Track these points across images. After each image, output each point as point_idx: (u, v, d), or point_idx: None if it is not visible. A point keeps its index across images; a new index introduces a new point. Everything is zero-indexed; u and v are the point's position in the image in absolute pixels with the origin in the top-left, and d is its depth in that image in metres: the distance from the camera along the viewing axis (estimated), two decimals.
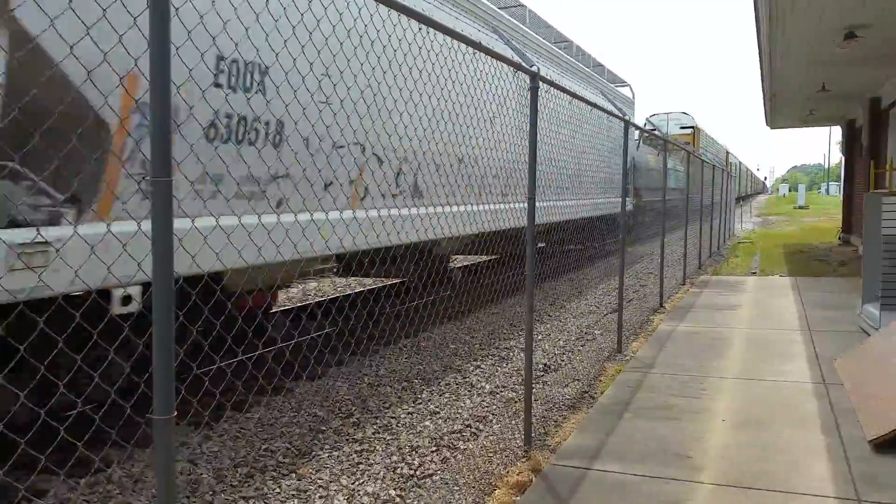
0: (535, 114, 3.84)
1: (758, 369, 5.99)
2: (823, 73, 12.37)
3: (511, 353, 7.30)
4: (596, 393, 5.55)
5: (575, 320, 9.10)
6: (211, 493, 3.91)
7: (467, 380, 6.27)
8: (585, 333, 8.08)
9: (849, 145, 19.87)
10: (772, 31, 9.21)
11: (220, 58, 4.04)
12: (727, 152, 43.04)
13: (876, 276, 6.93)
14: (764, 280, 12.15)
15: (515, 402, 5.37)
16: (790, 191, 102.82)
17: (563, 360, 6.77)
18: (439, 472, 4.14)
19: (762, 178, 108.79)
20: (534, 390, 5.60)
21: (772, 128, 21.56)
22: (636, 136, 18.93)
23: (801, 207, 50.84)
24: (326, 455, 4.44)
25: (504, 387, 5.94)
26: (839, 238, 20.02)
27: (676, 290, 11.31)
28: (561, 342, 7.63)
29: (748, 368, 6.03)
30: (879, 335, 6.12)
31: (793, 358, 6.36)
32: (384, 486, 3.93)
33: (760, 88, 13.96)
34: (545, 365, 6.53)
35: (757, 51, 10.64)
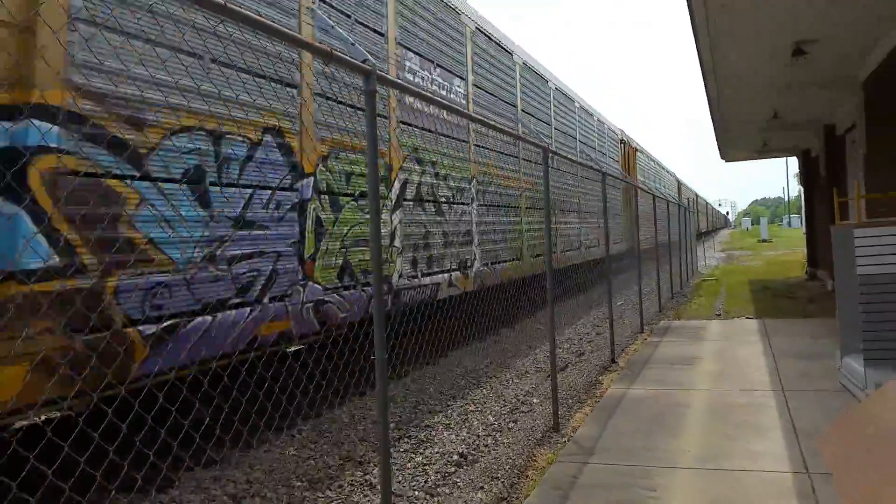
0: None
1: (721, 452, 4.77)
2: (775, 100, 11.60)
3: (432, 434, 5.99)
4: (515, 500, 4.24)
5: (517, 383, 7.83)
6: None
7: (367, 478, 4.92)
8: (522, 403, 6.81)
9: (806, 176, 19.27)
10: (714, 53, 8.32)
11: None
12: (678, 183, 41.13)
13: (855, 324, 5.83)
14: (728, 324, 11.06)
15: None
16: (753, 224, 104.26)
17: (485, 447, 5.45)
18: None
19: (724, 213, 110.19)
20: (437, 500, 4.29)
21: (726, 161, 20.94)
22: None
23: (764, 241, 50.81)
24: None
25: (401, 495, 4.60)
26: (806, 272, 19.23)
27: (634, 339, 10.14)
28: (491, 417, 6.33)
29: (710, 451, 4.80)
30: (870, 402, 4.94)
31: (764, 432, 5.15)
32: None
33: (710, 119, 13.15)
34: (461, 455, 5.20)
35: (702, 77, 9.76)
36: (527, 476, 4.65)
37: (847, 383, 6.12)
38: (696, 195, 53.49)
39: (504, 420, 6.19)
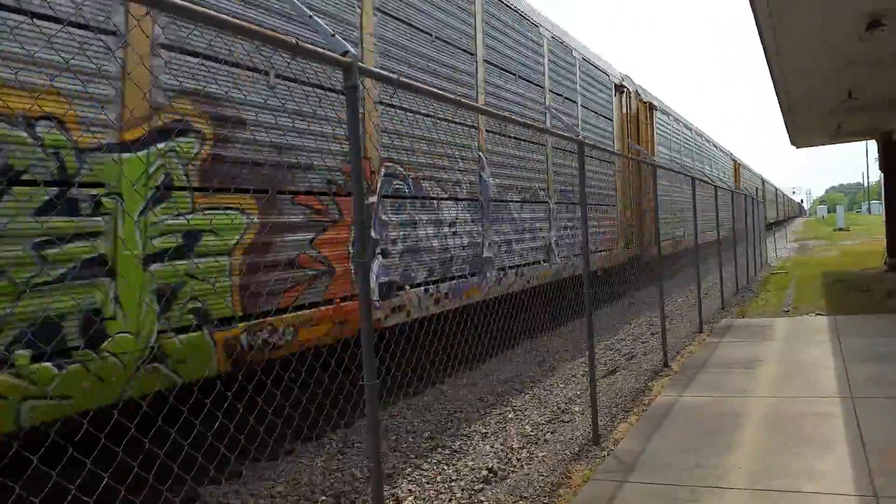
0: None
1: (777, 469, 4.29)
2: (848, 78, 10.69)
3: (468, 445, 5.71)
4: None
5: (561, 388, 7.46)
6: None
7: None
8: (564, 411, 6.44)
9: (887, 160, 17.91)
10: (776, 26, 7.66)
11: None
12: (736, 164, 35.69)
13: None
14: (796, 322, 10.30)
15: None
16: (829, 212, 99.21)
17: (518, 461, 5.13)
18: None
19: (798, 200, 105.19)
20: None
21: (797, 147, 19.71)
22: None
23: (840, 229, 48.06)
24: None
25: None
26: (885, 263, 17.90)
27: (691, 339, 9.56)
28: (528, 427, 6.00)
29: (764, 470, 4.33)
30: None
31: (829, 448, 4.63)
32: None
33: (777, 102, 12.30)
34: (490, 470, 4.89)
35: (764, 55, 9.06)
36: (558, 496, 4.31)
37: None
38: (763, 181, 50.29)
39: (542, 430, 5.85)
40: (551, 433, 5.75)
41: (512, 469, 4.92)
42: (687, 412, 5.81)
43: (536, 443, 5.52)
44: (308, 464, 5.41)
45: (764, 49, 8.57)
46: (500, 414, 6.64)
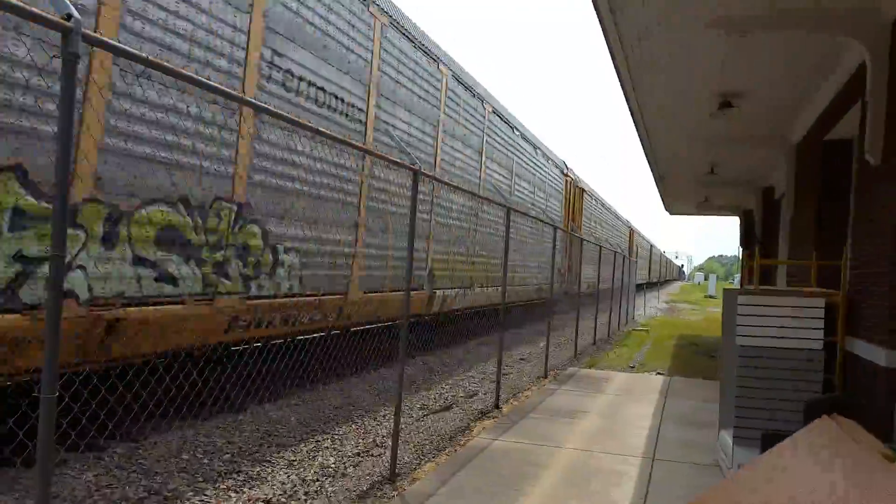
0: None
1: None
2: (709, 153, 11.41)
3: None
4: None
5: (391, 420, 7.23)
6: None
7: None
8: (379, 444, 6.22)
9: (747, 237, 19.30)
10: (638, 98, 8.02)
11: None
12: (630, 230, 38.46)
13: (731, 396, 5.43)
14: (635, 378, 10.68)
15: None
16: (705, 279, 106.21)
17: (307, 493, 4.83)
18: None
19: (679, 265, 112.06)
20: None
21: (670, 213, 20.92)
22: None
23: (710, 297, 51.46)
24: None
25: None
26: None
27: (532, 383, 9.66)
28: (332, 459, 5.72)
29: None
30: (724, 484, 4.50)
31: None
32: None
33: (648, 167, 12.95)
34: (265, 503, 4.57)
35: (633, 122, 9.49)
36: None
37: (720, 459, 5.70)
38: (651, 246, 53.37)
39: (348, 462, 5.59)
40: (354, 466, 5.50)
41: (293, 503, 4.62)
42: (496, 457, 5.74)
43: (334, 475, 5.25)
44: (76, 476, 4.87)
45: (631, 115, 8.96)
46: (316, 441, 6.34)
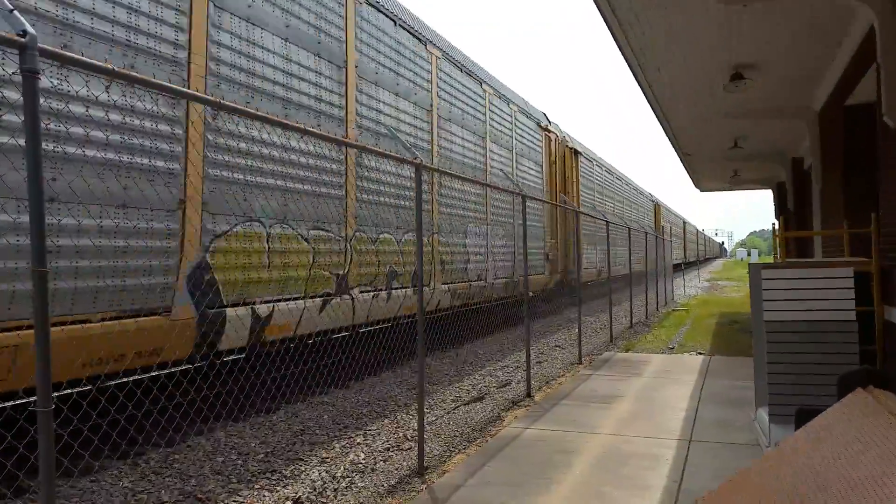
0: None
1: None
2: (730, 128, 11.09)
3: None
4: None
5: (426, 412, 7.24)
6: None
7: None
8: (410, 438, 6.22)
9: (781, 210, 18.76)
10: (646, 74, 7.82)
11: None
12: (655, 204, 35.32)
13: (764, 373, 5.27)
14: (673, 359, 10.47)
15: None
16: (748, 255, 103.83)
17: (336, 490, 4.86)
18: None
19: (719, 242, 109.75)
20: None
21: (700, 190, 20.45)
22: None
23: None
24: None
25: None
26: None
27: (567, 370, 9.55)
28: (362, 454, 5.75)
29: None
30: (762, 462, 4.37)
31: (643, 492, 4.57)
32: None
33: (670, 145, 12.66)
34: (295, 501, 4.61)
35: (645, 99, 9.27)
36: None
37: (759, 438, 5.55)
38: (685, 222, 49.93)
39: (376, 458, 5.61)
40: (384, 461, 5.51)
41: (322, 500, 4.66)
42: (527, 446, 5.69)
43: (363, 471, 5.27)
44: (112, 484, 4.99)
45: (643, 94, 8.75)
46: (349, 438, 6.38)
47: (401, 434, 6.38)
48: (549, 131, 16.99)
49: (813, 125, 9.78)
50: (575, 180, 18.62)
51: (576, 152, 18.77)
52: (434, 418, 6.95)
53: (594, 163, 21.90)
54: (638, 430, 6.17)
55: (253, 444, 6.04)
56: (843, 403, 4.00)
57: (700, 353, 11.18)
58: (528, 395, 7.73)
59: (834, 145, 8.79)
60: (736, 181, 18.34)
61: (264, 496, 4.89)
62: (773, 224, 8.08)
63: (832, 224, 9.03)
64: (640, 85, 8.25)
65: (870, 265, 6.49)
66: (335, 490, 4.85)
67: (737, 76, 7.65)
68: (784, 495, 3.63)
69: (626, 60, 7.32)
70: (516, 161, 14.66)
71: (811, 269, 5.00)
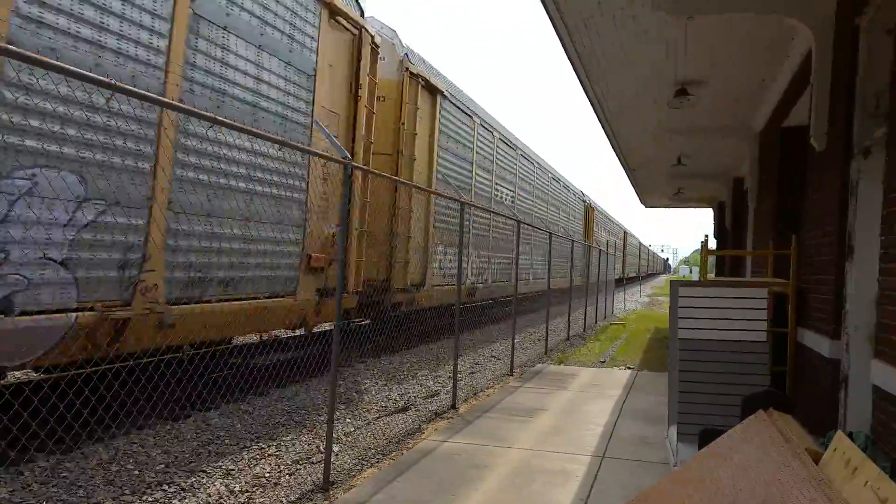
0: None
1: None
2: (675, 145, 11.29)
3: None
4: None
5: (346, 423, 7.04)
6: None
7: None
8: (320, 452, 6.01)
9: (720, 229, 19.26)
10: (594, 86, 7.86)
11: None
12: (588, 207, 29.86)
13: (676, 392, 5.28)
14: (602, 374, 10.55)
15: None
16: (690, 272, 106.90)
17: (240, 501, 4.64)
18: None
19: (664, 258, 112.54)
20: None
21: (645, 206, 20.84)
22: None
23: None
24: None
25: None
26: None
27: (497, 381, 9.49)
28: (268, 467, 5.52)
29: None
30: (663, 482, 4.35)
31: None
32: None
33: (617, 161, 12.82)
34: None
35: (594, 112, 9.34)
36: None
37: (669, 456, 5.56)
38: (626, 233, 46.19)
39: (282, 471, 5.39)
40: (290, 475, 5.30)
41: None
42: (442, 460, 5.56)
43: (266, 486, 5.05)
44: None
45: (590, 102, 8.81)
46: (261, 449, 6.13)
47: (314, 446, 6.17)
48: (409, 72, 10.92)
49: (753, 145, 10.02)
50: (430, 135, 11.93)
51: (430, 87, 11.74)
52: (353, 429, 6.76)
53: (476, 120, 14.58)
54: (555, 445, 6.12)
55: (154, 454, 5.74)
56: (743, 425, 4.00)
57: (629, 368, 11.30)
58: (453, 406, 7.62)
59: (770, 166, 9.00)
60: (679, 198, 18.74)
61: None
62: (701, 242, 8.20)
63: (763, 245, 9.24)
64: (587, 95, 8.29)
65: (787, 286, 6.63)
66: (263, 486, 4.62)
67: (681, 92, 7.76)
68: None
69: (574, 69, 7.34)
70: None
71: (727, 289, 5.05)
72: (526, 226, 16.20)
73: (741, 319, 5.01)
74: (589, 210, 29.68)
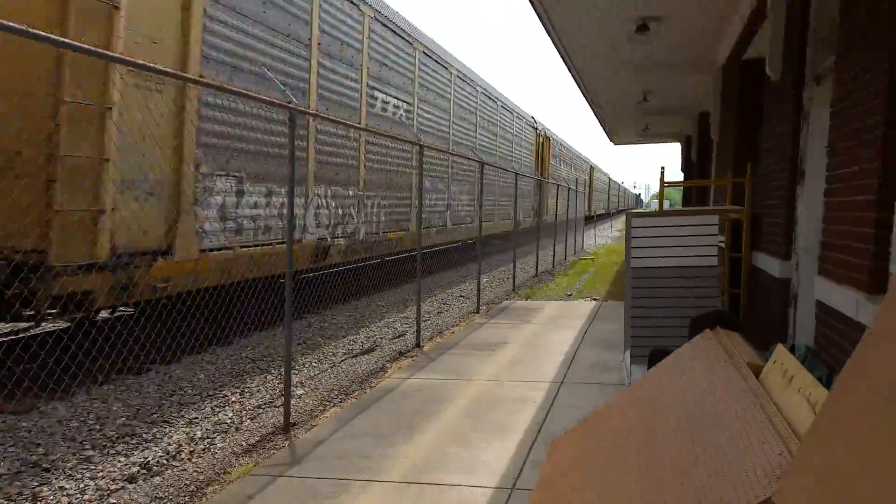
0: None
1: (440, 461, 4.15)
2: (639, 81, 11.17)
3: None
4: None
5: (311, 367, 7.07)
6: None
7: None
8: (278, 398, 6.04)
9: (687, 163, 19.37)
10: (553, 22, 7.67)
11: None
12: (541, 137, 25.33)
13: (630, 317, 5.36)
14: (567, 306, 10.70)
15: None
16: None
17: (192, 452, 4.65)
18: None
19: (636, 194, 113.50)
20: None
21: (615, 143, 20.82)
22: None
23: None
24: None
25: None
26: None
27: (463, 320, 9.58)
28: (231, 412, 5.54)
29: (428, 460, 4.18)
30: (614, 401, 4.46)
31: (505, 435, 4.59)
32: None
33: (583, 98, 12.68)
34: (144, 466, 4.38)
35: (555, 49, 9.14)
36: (202, 495, 3.88)
37: (624, 378, 5.70)
38: (592, 168, 42.82)
39: (244, 417, 5.41)
40: (251, 420, 5.33)
41: (175, 463, 4.44)
42: (404, 396, 5.63)
43: (227, 431, 5.07)
44: None
45: (553, 42, 8.62)
46: (224, 397, 6.13)
47: (278, 391, 6.20)
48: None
49: (716, 79, 9.97)
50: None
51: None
52: (317, 372, 6.80)
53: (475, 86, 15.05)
54: (516, 375, 6.22)
55: (115, 408, 5.71)
56: (690, 344, 4.09)
57: (595, 299, 11.48)
58: (418, 345, 7.69)
59: (731, 99, 8.98)
60: (648, 134, 18.74)
61: (119, 462, 4.63)
62: (659, 175, 8.22)
63: (725, 176, 9.31)
64: (549, 35, 8.11)
65: (742, 213, 6.71)
66: (191, 452, 4.64)
67: (642, 27, 7.63)
68: (629, 432, 3.70)
69: (534, 7, 7.14)
70: None
71: (679, 218, 5.07)
72: (431, 149, 11.71)
73: (693, 246, 5.06)
74: (543, 140, 25.96)
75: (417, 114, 13.26)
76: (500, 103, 19.81)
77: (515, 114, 21.92)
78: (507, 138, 20.97)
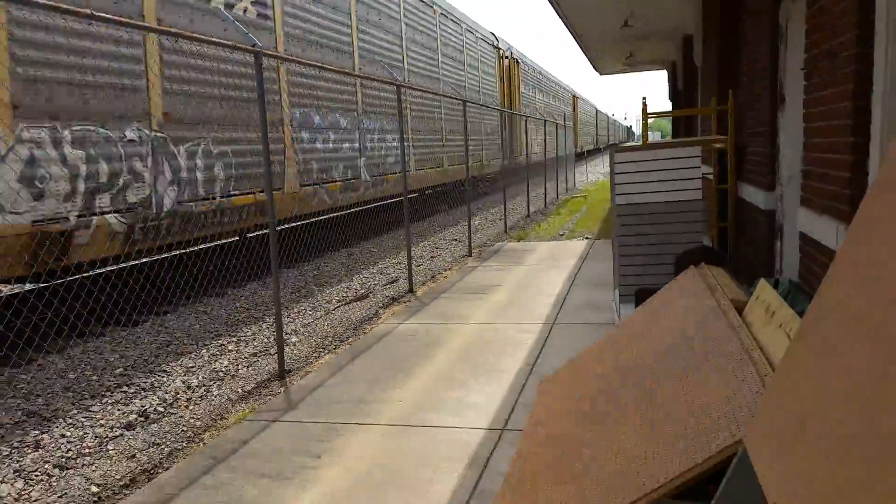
0: None
1: (433, 403, 4.24)
2: (620, 7, 10.87)
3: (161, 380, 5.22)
4: (142, 483, 3.55)
5: (307, 315, 7.13)
6: None
7: None
8: (273, 346, 6.12)
9: (674, 90, 19.07)
10: None
11: None
12: (505, 59, 21.78)
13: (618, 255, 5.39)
14: (559, 246, 10.74)
15: None
16: (661, 138, 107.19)
17: (189, 400, 4.74)
18: None
19: (627, 126, 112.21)
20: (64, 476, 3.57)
21: (601, 73, 20.43)
22: None
23: None
24: None
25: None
26: None
27: (455, 263, 9.62)
28: (226, 361, 5.62)
29: (421, 402, 4.27)
30: (602, 341, 4.53)
31: (497, 376, 4.69)
32: None
33: (564, 27, 12.35)
34: (141, 414, 4.46)
35: None
36: (202, 441, 3.98)
37: (614, 317, 5.77)
38: (575, 97, 38.84)
39: (239, 364, 5.49)
40: (248, 367, 5.41)
41: (172, 411, 4.53)
42: (397, 341, 5.70)
43: (223, 378, 5.15)
44: None
45: None
46: (220, 346, 6.21)
47: (273, 338, 6.27)
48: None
49: (697, 2, 9.70)
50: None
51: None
52: (312, 320, 6.86)
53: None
54: (508, 317, 6.30)
55: (112, 359, 5.79)
56: (675, 281, 4.13)
57: (587, 238, 11.51)
58: (410, 290, 7.74)
59: (712, 20, 8.75)
60: (632, 62, 18.37)
61: (118, 410, 4.72)
62: (641, 105, 8.10)
63: (710, 103, 9.18)
64: None
65: (727, 143, 6.66)
66: (188, 400, 4.73)
67: None
68: (617, 370, 3.77)
69: None
70: None
71: (660, 151, 5.03)
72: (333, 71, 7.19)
73: (677, 180, 5.04)
74: (510, 63, 21.84)
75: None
76: (438, 10, 15.89)
77: (465, 26, 17.84)
78: (456, 58, 17.16)
